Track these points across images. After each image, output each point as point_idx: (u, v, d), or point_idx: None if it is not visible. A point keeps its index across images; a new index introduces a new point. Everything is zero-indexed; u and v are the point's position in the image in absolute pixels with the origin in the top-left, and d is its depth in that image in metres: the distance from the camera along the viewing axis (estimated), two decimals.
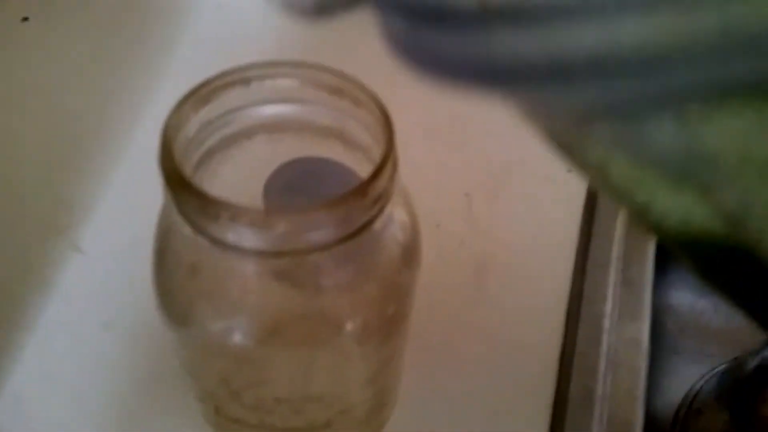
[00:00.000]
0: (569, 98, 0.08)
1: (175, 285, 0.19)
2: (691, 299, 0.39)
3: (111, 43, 0.39)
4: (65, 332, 0.28)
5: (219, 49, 0.39)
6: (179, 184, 0.17)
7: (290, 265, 0.17)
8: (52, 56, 0.37)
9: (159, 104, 0.36)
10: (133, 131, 0.34)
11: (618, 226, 0.33)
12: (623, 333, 0.30)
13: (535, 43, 0.08)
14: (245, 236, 0.16)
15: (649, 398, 0.29)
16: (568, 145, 0.10)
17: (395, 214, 0.20)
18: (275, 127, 0.21)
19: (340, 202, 0.17)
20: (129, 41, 0.39)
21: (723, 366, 0.36)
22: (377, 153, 0.20)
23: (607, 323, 0.30)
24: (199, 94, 0.19)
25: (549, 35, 0.08)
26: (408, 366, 0.25)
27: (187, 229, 0.17)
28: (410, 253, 0.21)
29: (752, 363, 0.34)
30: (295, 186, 0.24)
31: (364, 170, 0.22)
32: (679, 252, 0.10)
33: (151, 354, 0.27)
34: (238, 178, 0.23)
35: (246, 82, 0.20)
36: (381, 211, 0.18)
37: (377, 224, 0.18)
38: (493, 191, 0.34)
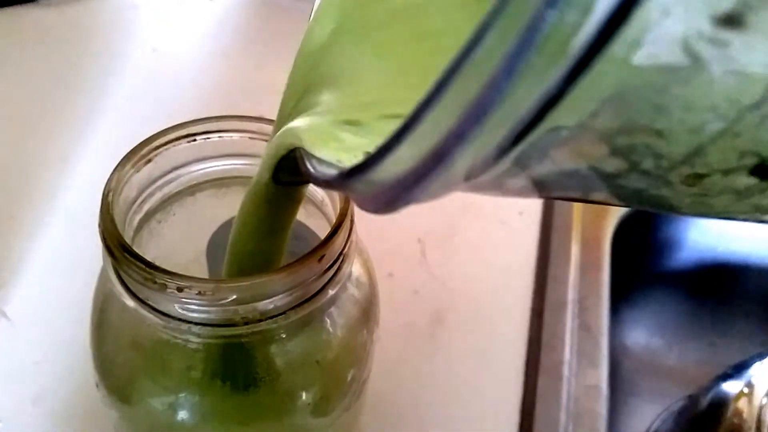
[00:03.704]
0: None
1: (116, 360, 0.17)
2: (645, 339, 0.39)
3: (38, 94, 0.37)
4: None
5: (152, 98, 0.37)
6: (121, 253, 0.15)
7: (240, 335, 0.16)
8: None
9: (88, 158, 0.34)
10: (61, 187, 0.32)
11: (572, 268, 0.33)
12: (583, 380, 0.29)
13: None
14: (193, 307, 0.15)
15: None
16: None
17: (351, 270, 0.19)
18: (221, 183, 0.20)
19: (294, 268, 0.16)
20: (57, 91, 0.37)
21: (678, 404, 0.36)
22: (329, 205, 0.19)
23: (566, 370, 0.29)
24: (141, 153, 0.18)
25: None
26: (363, 424, 0.24)
27: (128, 300, 0.16)
28: (368, 310, 0.20)
29: (705, 400, 0.35)
30: None
31: (314, 224, 0.21)
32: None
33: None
34: (180, 235, 0.21)
35: (191, 138, 0.19)
36: (337, 273, 0.17)
37: (334, 287, 0.17)
38: (445, 236, 0.33)
